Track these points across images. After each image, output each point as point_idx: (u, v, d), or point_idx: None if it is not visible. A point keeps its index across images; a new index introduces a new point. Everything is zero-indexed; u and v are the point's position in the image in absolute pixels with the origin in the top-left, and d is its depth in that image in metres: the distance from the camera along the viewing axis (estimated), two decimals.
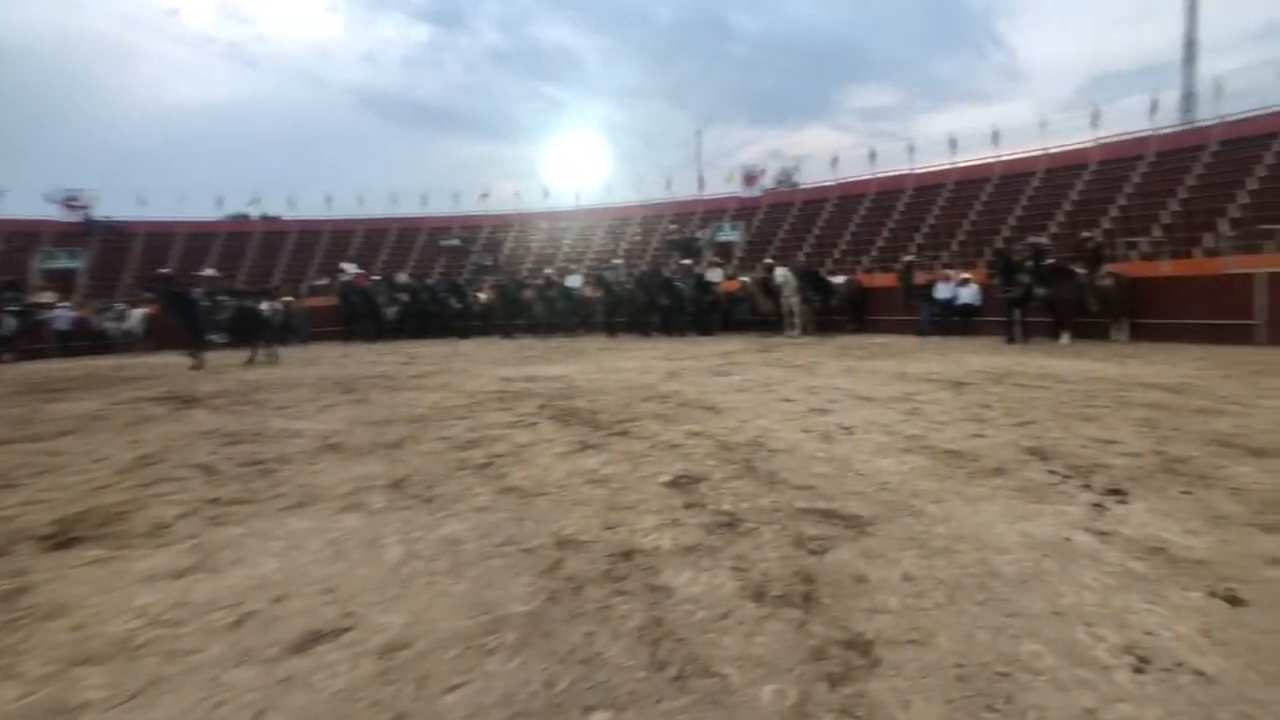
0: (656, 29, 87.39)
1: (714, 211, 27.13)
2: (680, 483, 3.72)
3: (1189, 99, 27.86)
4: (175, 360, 14.56)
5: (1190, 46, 28.97)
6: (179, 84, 74.83)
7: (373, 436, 5.33)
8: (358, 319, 18.33)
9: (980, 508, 3.13)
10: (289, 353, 15.96)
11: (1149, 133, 20.26)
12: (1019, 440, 4.39)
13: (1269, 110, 17.94)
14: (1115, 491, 3.28)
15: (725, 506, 3.28)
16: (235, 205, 27.30)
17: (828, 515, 3.11)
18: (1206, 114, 21.32)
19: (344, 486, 3.93)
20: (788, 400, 6.33)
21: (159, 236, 25.99)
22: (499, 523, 3.20)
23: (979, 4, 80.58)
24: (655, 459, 4.27)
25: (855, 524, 2.99)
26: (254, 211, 27.39)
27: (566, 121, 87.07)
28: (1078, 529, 2.83)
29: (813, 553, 2.69)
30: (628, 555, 2.74)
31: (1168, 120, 22.01)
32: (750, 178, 27.27)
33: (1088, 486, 3.38)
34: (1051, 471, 3.66)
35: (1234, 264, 11.68)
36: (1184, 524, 2.83)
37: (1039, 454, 4.02)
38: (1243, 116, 18.48)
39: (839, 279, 16.49)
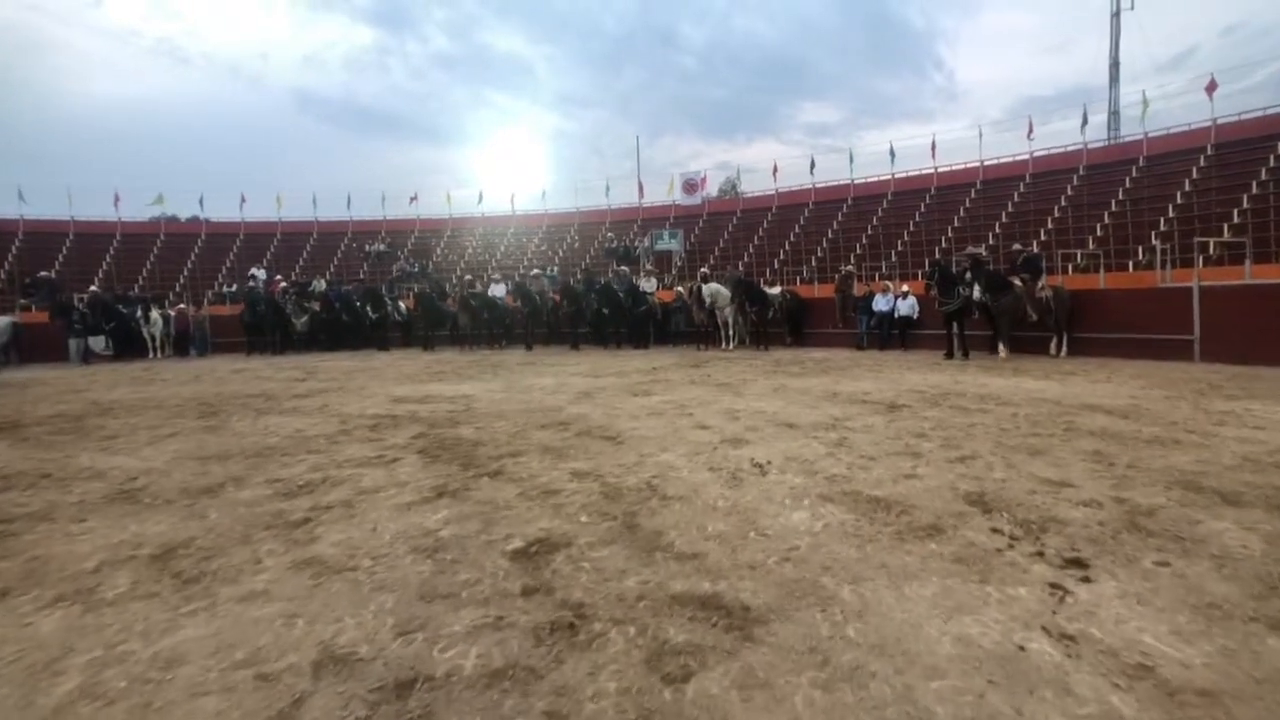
0: (605, 39, 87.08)
1: (654, 219, 26.47)
2: (532, 552, 2.87)
3: (1114, 117, 28.79)
4: (35, 375, 12.98)
5: (1115, 67, 29.99)
6: (98, 78, 70.21)
7: (191, 478, 4.33)
8: (263, 329, 16.85)
9: (908, 592, 2.38)
10: (185, 366, 14.48)
11: (1080, 146, 20.50)
12: (957, 482, 3.69)
13: (1193, 126, 18.30)
14: (1076, 562, 2.57)
15: (575, 594, 2.44)
16: (134, 204, 25.03)
17: (709, 605, 2.31)
18: (1132, 131, 21.83)
19: (91, 560, 2.97)
20: (703, 427, 5.55)
21: (42, 236, 23.69)
22: (259, 623, 2.30)
23: (921, 28, 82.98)
24: (517, 513, 3.41)
25: (742, 622, 2.19)
26: (157, 210, 25.22)
27: (514, 128, 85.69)
28: (1034, 629, 2.09)
29: (669, 680, 1.88)
30: (404, 688, 1.88)
31: (1095, 138, 22.42)
32: (690, 185, 26.70)
33: (1040, 554, 2.67)
34: (996, 530, 2.95)
35: (1170, 278, 11.54)
36: (1169, 619, 2.13)
37: (981, 503, 3.32)
38: (1168, 132, 18.81)
39: (775, 290, 15.91)
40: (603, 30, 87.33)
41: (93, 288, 17.46)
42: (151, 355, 16.75)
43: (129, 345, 16.81)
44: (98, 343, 16.22)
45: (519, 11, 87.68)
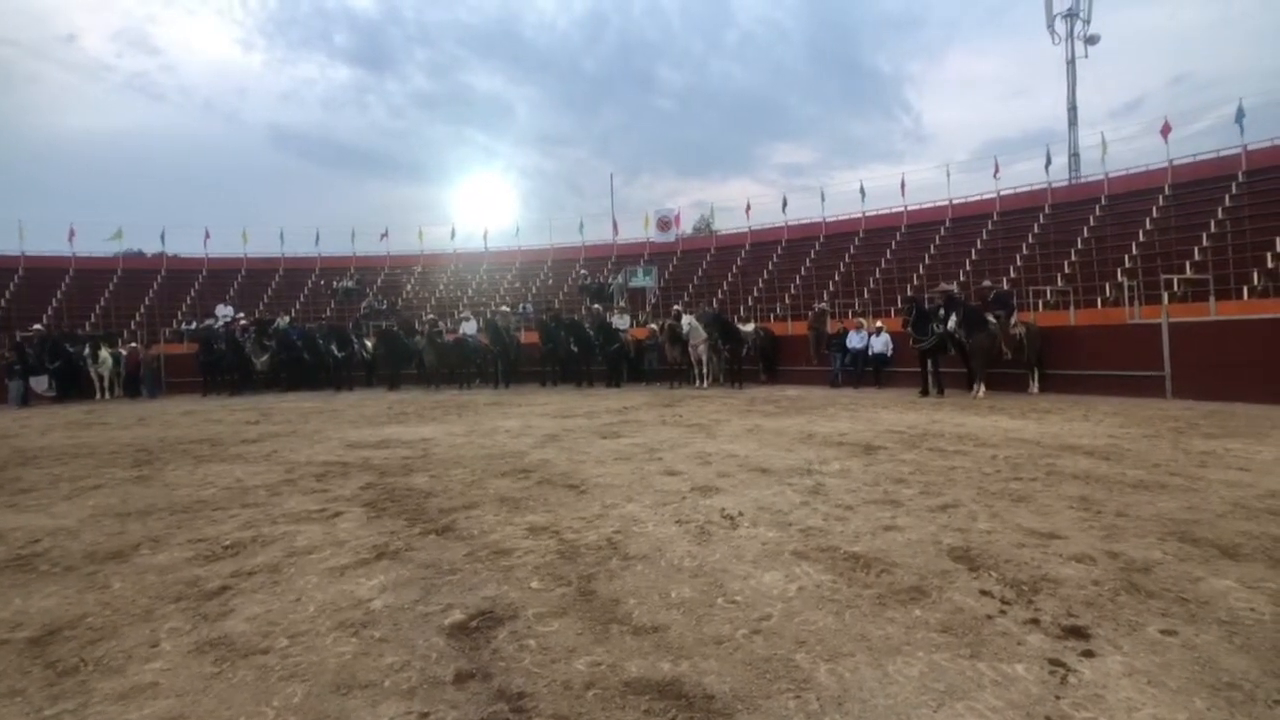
0: (586, 81, 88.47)
1: (628, 256, 26.43)
2: (473, 627, 2.54)
3: (1075, 159, 29.68)
4: None
5: (1073, 111, 31.03)
6: (67, 113, 69.23)
7: (103, 539, 3.93)
8: (221, 369, 16.27)
9: (891, 671, 2.10)
10: (132, 408, 13.82)
11: (1044, 185, 20.97)
12: (940, 535, 3.44)
13: (1151, 167, 18.79)
14: (1075, 631, 2.32)
15: (516, 680, 2.12)
16: (94, 239, 24.18)
17: (667, 694, 2.01)
18: (1092, 171, 22.42)
19: None
20: (672, 473, 5.27)
21: None
22: None
23: (889, 74, 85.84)
24: (463, 578, 3.08)
25: (704, 715, 1.89)
26: (116, 246, 24.44)
27: (492, 166, 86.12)
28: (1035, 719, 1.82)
29: None
30: None
31: (1058, 178, 23.01)
32: (665, 223, 26.78)
33: (1035, 621, 2.41)
34: (985, 592, 2.69)
35: (1139, 314, 11.62)
36: (1187, 703, 1.87)
37: (966, 559, 3.07)
38: (1128, 172, 19.30)
39: (749, 327, 15.80)
40: (583, 72, 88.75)
41: (36, 326, 16.71)
42: (99, 396, 15.97)
43: (75, 386, 16.04)
44: (41, 383, 15.44)
45: (500, 53, 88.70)
